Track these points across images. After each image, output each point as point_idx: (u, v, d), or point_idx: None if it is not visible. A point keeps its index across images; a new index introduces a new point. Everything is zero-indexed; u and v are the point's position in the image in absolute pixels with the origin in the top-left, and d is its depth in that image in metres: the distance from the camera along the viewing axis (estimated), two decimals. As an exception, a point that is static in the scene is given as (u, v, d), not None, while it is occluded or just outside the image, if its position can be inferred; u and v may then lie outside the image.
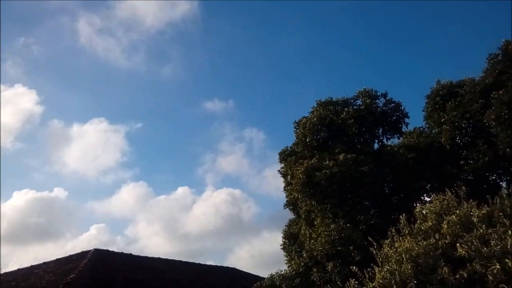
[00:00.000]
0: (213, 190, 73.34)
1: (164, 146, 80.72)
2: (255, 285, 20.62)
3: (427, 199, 22.03)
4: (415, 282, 9.93)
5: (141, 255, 28.99)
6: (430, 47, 66.89)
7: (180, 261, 30.55)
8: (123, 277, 23.12)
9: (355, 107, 22.22)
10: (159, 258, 29.09)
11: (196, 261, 32.54)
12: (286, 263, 26.70)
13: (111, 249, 27.73)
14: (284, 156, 26.43)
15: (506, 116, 21.37)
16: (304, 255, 19.16)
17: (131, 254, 28.04)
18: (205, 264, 33.08)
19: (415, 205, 17.54)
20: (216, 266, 34.03)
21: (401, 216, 13.09)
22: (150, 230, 66.66)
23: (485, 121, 22.74)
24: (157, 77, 76.78)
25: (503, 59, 22.98)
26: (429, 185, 23.72)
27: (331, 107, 22.37)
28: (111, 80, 76.72)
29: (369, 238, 12.24)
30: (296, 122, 24.21)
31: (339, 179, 19.32)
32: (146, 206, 70.17)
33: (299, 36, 74.05)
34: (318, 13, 69.92)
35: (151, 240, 63.77)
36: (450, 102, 24.70)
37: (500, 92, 21.76)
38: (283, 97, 75.82)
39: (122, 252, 27.76)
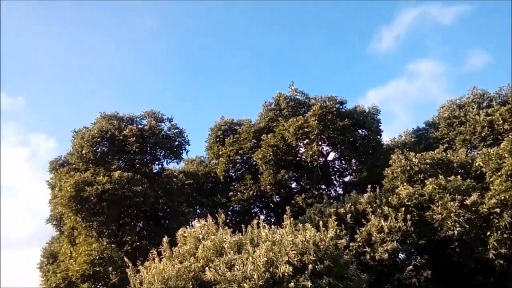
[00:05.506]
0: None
1: None
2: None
3: (197, 224, 23.14)
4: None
5: None
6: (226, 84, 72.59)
7: None
8: None
9: (139, 126, 22.03)
10: None
11: None
12: (41, 284, 24.07)
13: None
14: (56, 166, 24.11)
15: (271, 157, 24.55)
16: (58, 275, 17.51)
17: None
18: None
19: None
20: None
21: (164, 239, 13.38)
22: None
23: (254, 159, 25.61)
24: None
25: (274, 108, 26.58)
26: (199, 211, 25.04)
27: (115, 121, 21.64)
28: None
29: (126, 260, 11.99)
30: (75, 131, 22.53)
31: (110, 197, 18.56)
32: None
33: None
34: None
35: None
36: (229, 138, 26.99)
37: (269, 136, 25.01)
38: (82, 106, 68.45)
39: None
